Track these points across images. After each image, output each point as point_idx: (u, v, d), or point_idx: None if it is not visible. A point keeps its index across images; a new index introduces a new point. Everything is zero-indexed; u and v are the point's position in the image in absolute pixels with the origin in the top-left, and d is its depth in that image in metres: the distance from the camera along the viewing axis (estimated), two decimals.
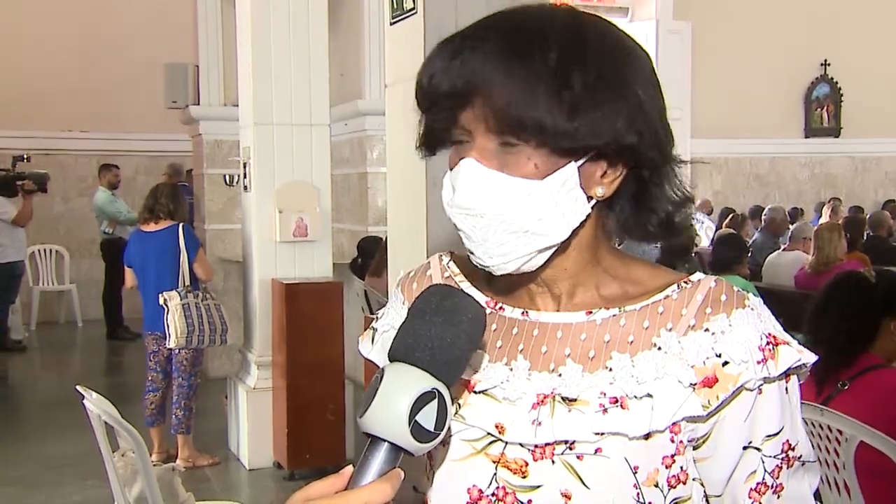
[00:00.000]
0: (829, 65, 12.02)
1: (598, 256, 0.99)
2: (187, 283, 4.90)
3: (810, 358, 0.94)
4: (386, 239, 4.63)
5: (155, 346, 5.01)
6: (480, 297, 1.04)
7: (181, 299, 4.81)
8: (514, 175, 0.90)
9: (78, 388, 2.64)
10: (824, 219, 8.80)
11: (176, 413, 4.96)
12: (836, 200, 10.18)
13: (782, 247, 6.85)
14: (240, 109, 5.29)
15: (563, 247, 0.95)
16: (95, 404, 2.53)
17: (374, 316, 1.17)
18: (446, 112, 0.92)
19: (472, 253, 0.95)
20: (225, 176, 7.29)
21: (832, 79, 12.09)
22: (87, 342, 9.29)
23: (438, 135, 0.97)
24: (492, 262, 0.93)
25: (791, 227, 7.32)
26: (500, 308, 1.03)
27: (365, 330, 1.17)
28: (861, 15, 11.72)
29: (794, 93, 12.12)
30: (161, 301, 4.82)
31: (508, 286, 1.01)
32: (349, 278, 5.98)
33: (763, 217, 8.31)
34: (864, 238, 7.53)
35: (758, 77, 11.43)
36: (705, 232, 9.38)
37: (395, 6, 2.87)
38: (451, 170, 0.95)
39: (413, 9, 2.74)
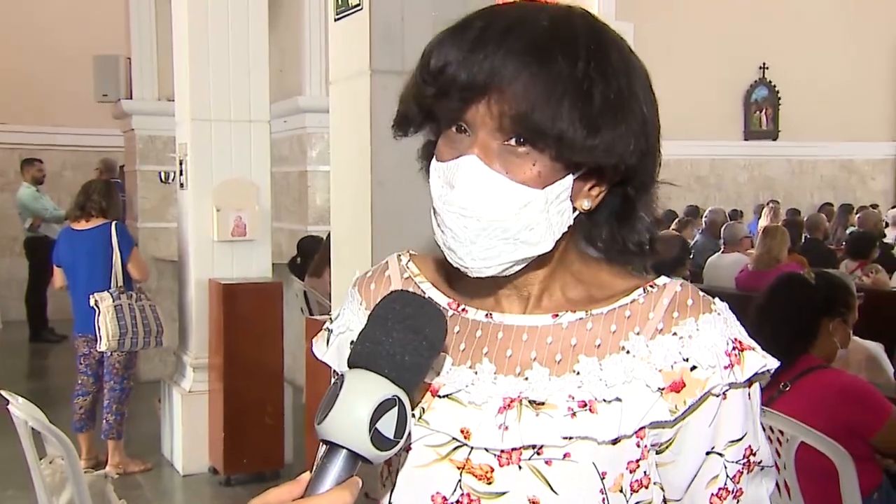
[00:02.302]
0: (767, 68, 12.36)
1: (566, 261, 0.99)
2: (120, 283, 4.81)
3: (774, 363, 0.95)
4: (327, 239, 4.61)
5: (86, 348, 4.90)
6: (442, 299, 1.03)
7: (113, 300, 4.71)
8: (516, 180, 0.88)
9: (1, 392, 2.57)
10: (764, 221, 9.02)
11: (107, 418, 4.86)
12: (775, 203, 10.46)
13: (722, 248, 7.01)
14: (175, 104, 5.21)
15: (541, 256, 0.95)
16: (21, 409, 2.46)
17: (329, 317, 1.14)
18: (456, 103, 0.89)
19: (451, 251, 0.93)
20: (160, 173, 7.18)
21: (770, 82, 12.44)
22: (9, 344, 9.01)
23: (422, 118, 0.95)
24: (473, 265, 0.92)
25: (723, 227, 7.47)
26: (463, 310, 1.02)
27: (316, 332, 1.15)
28: (799, 20, 12.08)
29: (734, 95, 12.44)
30: (92, 302, 4.72)
31: (472, 288, 1.00)
32: (288, 279, 5.93)
33: (704, 219, 8.48)
34: (802, 240, 7.76)
35: (698, 79, 11.70)
36: None
37: (339, 1, 2.86)
38: (439, 160, 0.93)
39: (358, 5, 2.73)
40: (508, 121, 0.87)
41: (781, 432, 2.42)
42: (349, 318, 1.08)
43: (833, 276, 2.87)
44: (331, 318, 1.13)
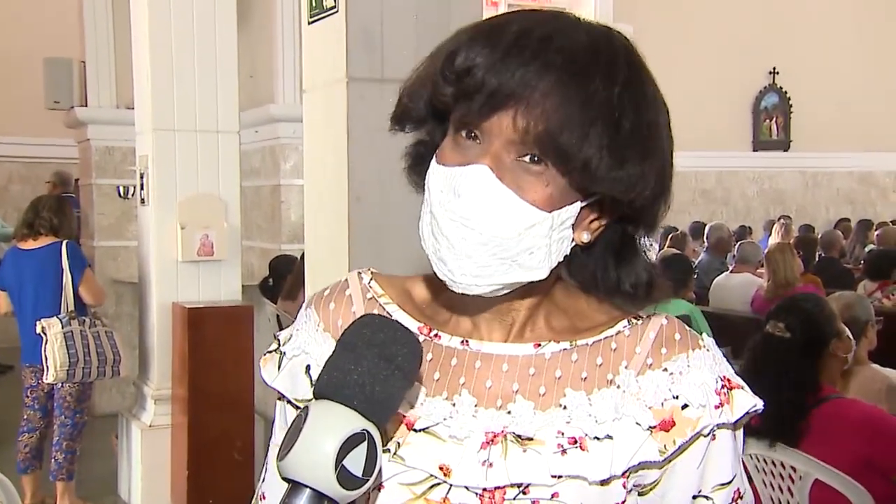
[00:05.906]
0: (778, 73, 12.41)
1: (552, 291, 1.02)
2: (71, 308, 4.79)
3: (760, 403, 0.98)
4: (301, 258, 4.61)
5: (33, 379, 4.87)
6: (412, 323, 1.03)
7: (63, 327, 4.69)
8: (526, 199, 0.89)
9: None
10: (775, 238, 9.08)
11: (56, 457, 4.83)
12: (787, 219, 10.51)
13: (730, 268, 7.04)
14: (136, 113, 5.21)
15: (532, 283, 0.96)
16: None
17: (275, 338, 1.10)
18: (477, 109, 0.89)
19: (442, 261, 0.93)
20: (119, 187, 7.18)
21: (781, 88, 12.48)
22: None
23: (427, 116, 0.96)
24: (463, 280, 0.92)
25: (735, 245, 7.51)
26: (436, 336, 1.02)
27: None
28: (812, 20, 12.13)
29: (742, 102, 12.47)
30: (39, 329, 4.69)
31: (446, 312, 1.02)
32: (260, 301, 5.92)
33: (707, 236, 8.51)
34: (816, 259, 7.80)
35: (703, 85, 11.71)
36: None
37: (313, 4, 2.88)
38: (441, 164, 0.93)
39: (334, 7, 2.75)
40: (532, 137, 0.87)
41: (794, 469, 2.43)
42: (305, 339, 1.05)
43: (807, 312, 2.76)
44: (277, 340, 1.10)
